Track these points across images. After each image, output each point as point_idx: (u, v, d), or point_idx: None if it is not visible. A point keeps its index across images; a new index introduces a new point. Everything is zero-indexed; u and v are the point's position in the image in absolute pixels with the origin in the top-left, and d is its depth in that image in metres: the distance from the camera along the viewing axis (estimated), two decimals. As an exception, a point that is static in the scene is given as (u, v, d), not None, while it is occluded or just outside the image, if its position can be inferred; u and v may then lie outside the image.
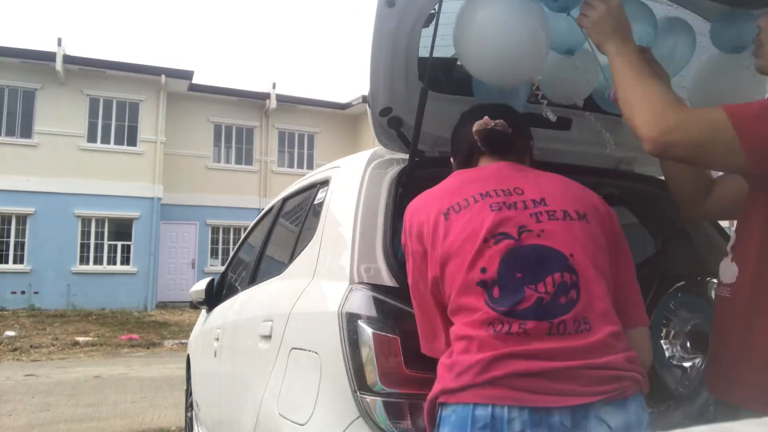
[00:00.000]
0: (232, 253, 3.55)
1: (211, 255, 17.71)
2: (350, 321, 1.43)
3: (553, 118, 1.52)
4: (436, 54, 1.56)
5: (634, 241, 2.57)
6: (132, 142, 15.91)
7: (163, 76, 15.64)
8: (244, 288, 2.73)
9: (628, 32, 1.34)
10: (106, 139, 15.67)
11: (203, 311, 3.59)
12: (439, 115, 1.84)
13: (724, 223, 2.59)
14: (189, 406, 3.98)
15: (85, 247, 15.28)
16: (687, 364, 1.84)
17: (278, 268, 2.20)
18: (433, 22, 1.53)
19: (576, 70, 1.62)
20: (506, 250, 1.17)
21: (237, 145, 18.50)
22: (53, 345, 10.07)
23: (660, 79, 1.27)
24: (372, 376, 1.37)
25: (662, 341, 1.86)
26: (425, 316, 1.31)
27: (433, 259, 1.25)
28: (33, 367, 8.21)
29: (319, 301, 1.66)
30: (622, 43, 1.32)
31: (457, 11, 1.52)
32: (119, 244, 15.62)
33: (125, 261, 15.69)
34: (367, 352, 1.39)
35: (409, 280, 1.34)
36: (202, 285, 3.30)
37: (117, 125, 15.80)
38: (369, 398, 1.36)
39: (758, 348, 1.24)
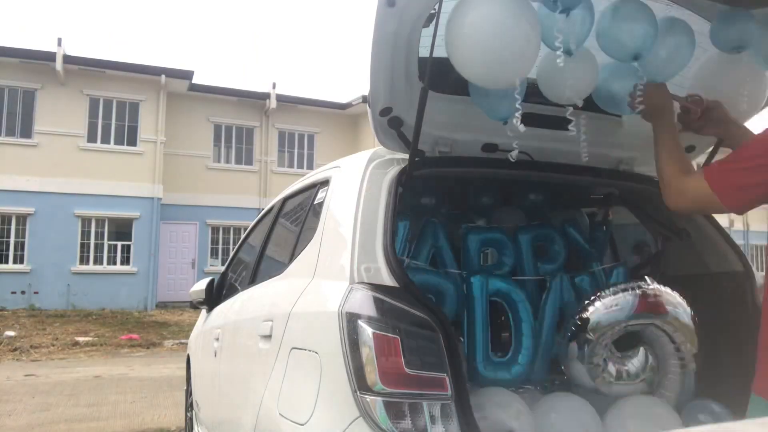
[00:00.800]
0: (232, 253, 3.55)
1: (211, 255, 17.71)
2: (350, 321, 1.43)
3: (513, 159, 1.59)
4: (436, 54, 1.56)
5: (634, 241, 2.57)
6: (132, 142, 15.91)
7: (163, 76, 15.65)
8: (244, 288, 2.73)
9: (672, 114, 1.65)
10: (106, 139, 15.68)
11: (203, 311, 3.59)
12: (439, 115, 1.85)
13: (723, 223, 2.59)
14: (189, 406, 3.98)
15: (85, 247, 15.28)
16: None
17: (278, 268, 2.20)
18: (433, 22, 1.53)
19: (576, 71, 1.62)
20: None
21: (237, 145, 18.50)
22: (53, 345, 10.08)
23: (681, 157, 1.57)
24: (372, 376, 1.37)
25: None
26: None
27: None
28: (33, 367, 8.21)
29: (319, 300, 1.66)
30: (669, 124, 1.63)
31: (448, 13, 1.52)
32: (119, 244, 15.62)
33: (125, 261, 15.69)
34: (367, 352, 1.39)
35: None
36: (202, 285, 3.30)
37: (117, 125, 15.80)
38: (369, 398, 1.37)
39: None
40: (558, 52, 1.50)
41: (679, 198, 1.49)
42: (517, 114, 1.50)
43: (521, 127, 1.53)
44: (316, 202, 2.05)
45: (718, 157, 1.69)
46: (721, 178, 1.39)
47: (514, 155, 1.72)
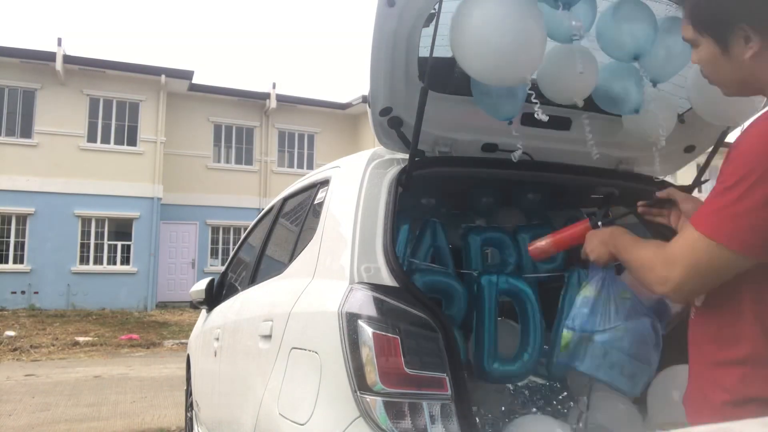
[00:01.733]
0: (232, 253, 3.55)
1: (211, 255, 17.71)
2: (350, 321, 1.43)
3: (545, 118, 1.51)
4: (436, 54, 1.56)
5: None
6: (132, 142, 15.91)
7: (163, 76, 15.64)
8: (244, 288, 2.73)
9: (621, 234, 1.35)
10: (106, 139, 15.67)
11: (203, 311, 3.59)
12: (439, 115, 1.85)
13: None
14: (189, 406, 3.98)
15: (85, 247, 15.28)
16: None
17: (278, 267, 2.20)
18: (433, 21, 1.53)
19: (579, 73, 1.61)
20: None
21: (237, 145, 18.50)
22: (53, 345, 10.08)
23: (650, 242, 1.26)
24: (372, 375, 1.37)
25: None
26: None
27: None
28: (33, 367, 8.21)
29: (319, 300, 1.66)
30: (614, 247, 1.34)
31: (453, 10, 1.52)
32: (119, 244, 15.62)
33: (125, 261, 15.69)
34: (367, 351, 1.39)
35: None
36: (202, 285, 3.30)
37: (117, 125, 15.80)
38: (369, 398, 1.37)
39: None
40: (574, 37, 1.48)
41: (671, 270, 1.09)
42: (536, 108, 1.48)
43: (544, 117, 1.49)
44: (316, 202, 2.05)
45: (717, 158, 1.67)
46: (720, 220, 1.03)
47: (516, 155, 1.72)
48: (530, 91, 1.49)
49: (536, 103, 1.48)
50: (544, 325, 1.96)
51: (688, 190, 2.12)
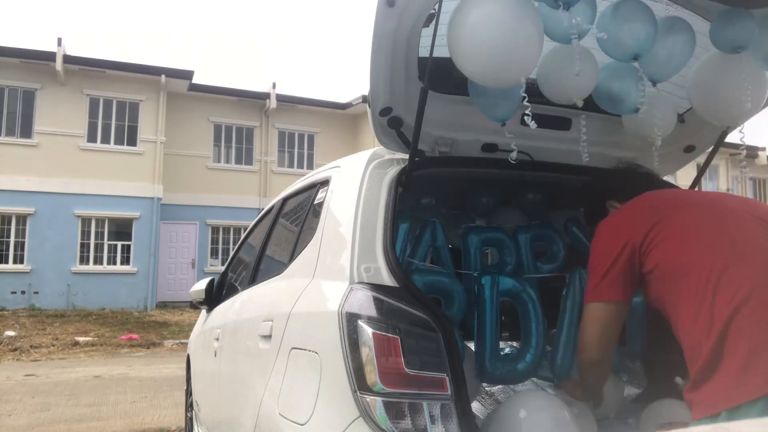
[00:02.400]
0: (232, 253, 3.55)
1: (211, 255, 17.70)
2: (350, 321, 1.43)
3: (533, 125, 1.55)
4: (436, 54, 1.56)
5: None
6: (132, 142, 15.90)
7: (163, 76, 15.63)
8: (244, 288, 2.73)
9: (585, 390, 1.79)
10: (106, 139, 15.66)
11: (203, 311, 3.58)
12: (439, 115, 1.85)
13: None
14: (189, 406, 3.98)
15: (85, 247, 15.27)
16: None
17: (278, 268, 2.20)
18: (433, 22, 1.53)
19: (577, 75, 1.61)
20: None
21: (237, 145, 18.49)
22: (53, 345, 10.08)
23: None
24: (372, 376, 1.37)
25: None
26: None
27: None
28: (33, 367, 8.21)
29: (319, 300, 1.66)
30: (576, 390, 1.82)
31: (451, 12, 1.52)
32: (119, 244, 15.61)
33: (125, 261, 15.68)
34: (367, 352, 1.39)
35: None
36: (202, 285, 3.30)
37: (117, 125, 15.79)
38: (369, 398, 1.36)
39: None
40: (573, 36, 1.48)
41: (584, 339, 1.59)
42: (527, 112, 1.49)
43: (533, 125, 1.51)
44: (316, 202, 2.05)
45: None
46: (599, 289, 1.53)
47: (513, 156, 1.72)
48: (523, 94, 1.49)
49: (528, 107, 1.48)
50: (546, 325, 1.96)
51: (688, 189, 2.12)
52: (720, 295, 1.31)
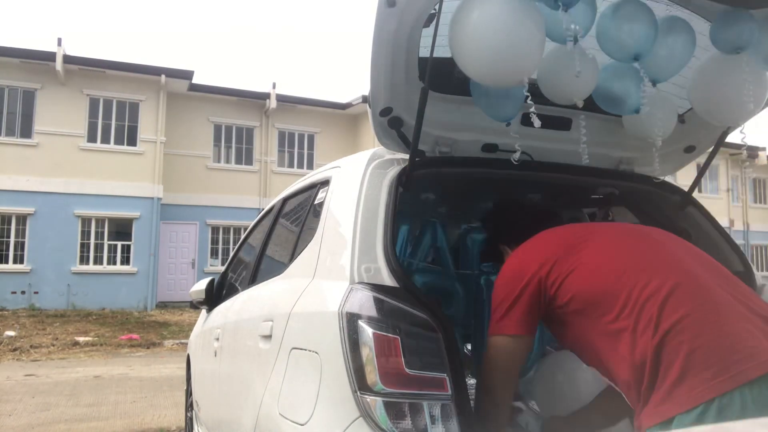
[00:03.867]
0: (232, 253, 3.55)
1: (211, 255, 17.70)
2: (350, 321, 1.43)
3: (538, 123, 1.53)
4: (436, 54, 1.56)
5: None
6: (132, 142, 15.90)
7: (163, 76, 15.63)
8: (244, 288, 2.73)
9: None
10: (106, 139, 15.66)
11: (203, 311, 3.58)
12: (439, 116, 1.85)
13: (723, 224, 2.59)
14: (189, 406, 3.98)
15: (85, 247, 15.27)
16: None
17: (278, 268, 2.20)
18: (434, 22, 1.53)
19: (577, 76, 1.61)
20: None
21: (237, 145, 18.49)
22: (53, 345, 10.08)
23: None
24: (372, 376, 1.37)
25: None
26: None
27: None
28: (33, 367, 8.21)
29: (319, 301, 1.66)
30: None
31: (453, 11, 1.52)
32: (119, 244, 15.61)
33: (125, 261, 15.68)
34: (368, 352, 1.39)
35: None
36: (202, 285, 3.30)
37: (117, 125, 15.79)
38: (369, 398, 1.36)
39: None
40: (568, 38, 1.48)
41: (487, 374, 1.56)
42: (532, 110, 1.49)
43: (537, 123, 1.51)
44: (316, 202, 2.05)
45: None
46: (503, 323, 1.51)
47: (516, 157, 1.72)
48: (527, 93, 1.49)
49: (532, 105, 1.48)
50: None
51: (688, 190, 2.12)
52: (645, 316, 1.28)
